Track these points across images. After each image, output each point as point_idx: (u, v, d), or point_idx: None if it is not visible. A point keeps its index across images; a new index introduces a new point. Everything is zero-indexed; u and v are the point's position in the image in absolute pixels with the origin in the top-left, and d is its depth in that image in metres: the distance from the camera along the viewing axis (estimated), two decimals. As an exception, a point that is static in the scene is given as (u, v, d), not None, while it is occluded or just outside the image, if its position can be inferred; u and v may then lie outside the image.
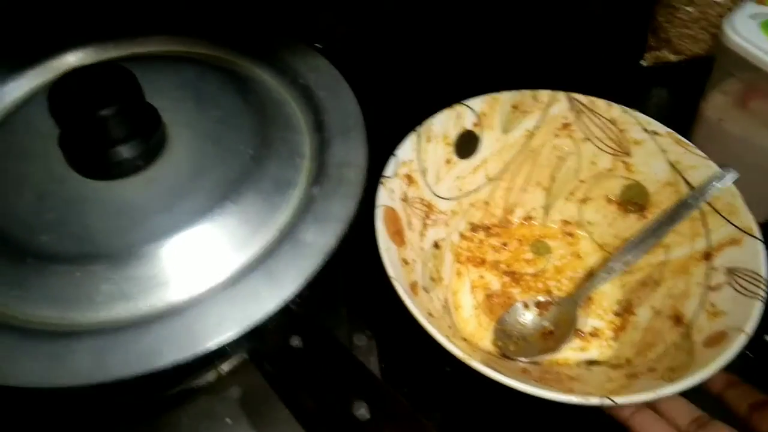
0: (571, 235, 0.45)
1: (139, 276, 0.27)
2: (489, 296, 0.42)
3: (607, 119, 0.42)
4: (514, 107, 0.43)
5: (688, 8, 0.47)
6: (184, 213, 0.28)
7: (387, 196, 0.37)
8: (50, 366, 0.24)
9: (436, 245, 0.42)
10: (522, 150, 0.44)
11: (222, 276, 0.27)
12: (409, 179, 0.40)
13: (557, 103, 0.43)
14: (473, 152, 0.44)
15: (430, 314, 0.35)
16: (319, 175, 0.31)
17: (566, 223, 0.45)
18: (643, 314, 0.39)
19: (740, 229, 0.36)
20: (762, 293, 0.33)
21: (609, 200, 0.44)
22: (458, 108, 0.42)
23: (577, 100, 0.43)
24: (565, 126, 0.43)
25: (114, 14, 0.40)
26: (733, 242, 0.36)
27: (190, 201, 0.28)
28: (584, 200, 0.45)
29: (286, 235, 0.28)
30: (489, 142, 0.44)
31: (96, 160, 0.28)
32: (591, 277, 0.42)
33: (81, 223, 0.28)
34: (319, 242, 0.28)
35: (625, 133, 0.42)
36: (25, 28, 0.39)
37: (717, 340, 0.32)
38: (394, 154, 0.39)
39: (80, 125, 0.27)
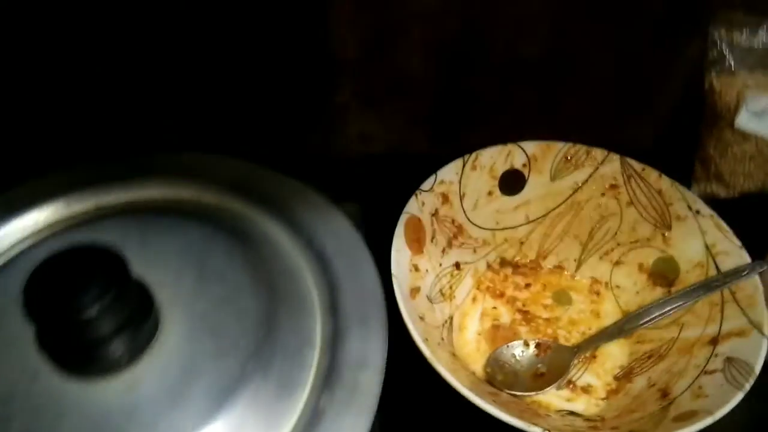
0: (597, 293, 0.46)
1: None
2: (496, 327, 0.44)
3: (655, 190, 0.43)
4: (567, 158, 0.45)
5: (743, 145, 0.45)
6: (169, 429, 0.24)
7: (417, 206, 0.41)
8: None
9: (458, 266, 0.44)
10: (566, 201, 0.46)
11: None
12: (445, 198, 0.43)
13: (610, 164, 0.44)
14: (517, 191, 0.46)
15: (421, 318, 0.37)
16: (330, 377, 0.27)
17: (595, 281, 0.46)
18: (638, 383, 0.39)
19: (752, 322, 0.35)
20: (747, 386, 0.32)
21: (641, 268, 0.44)
22: (510, 147, 0.44)
23: (630, 165, 0.44)
24: (613, 187, 0.44)
25: (114, 148, 0.38)
26: (741, 334, 0.35)
27: (175, 414, 0.24)
28: (617, 263, 0.45)
29: None
30: (535, 186, 0.46)
31: (75, 358, 0.25)
32: (599, 334, 0.42)
33: None
34: None
35: (669, 207, 0.42)
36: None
37: (686, 417, 0.32)
38: (435, 173, 0.42)
39: (58, 327, 0.24)
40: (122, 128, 0.46)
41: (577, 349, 0.41)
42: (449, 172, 0.43)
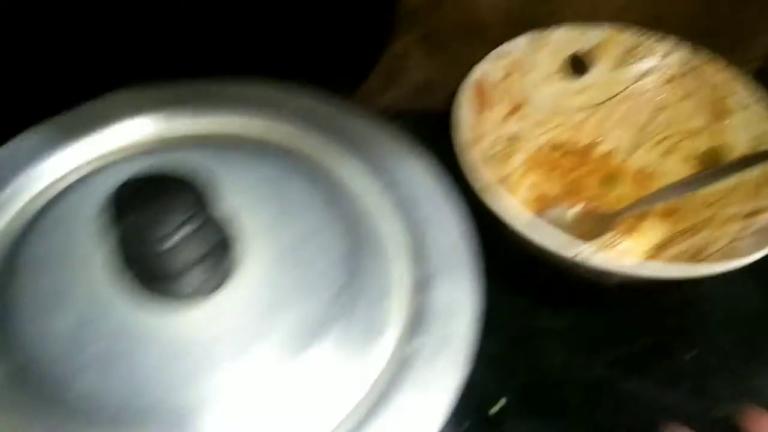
0: (643, 180, 0.48)
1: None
2: (542, 196, 0.47)
3: (714, 82, 0.45)
4: (633, 47, 0.47)
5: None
6: (253, 364, 0.23)
7: (484, 70, 0.44)
8: None
9: (514, 138, 0.47)
10: (627, 89, 0.48)
11: None
12: (511, 70, 0.46)
13: (673, 55, 0.46)
14: (580, 75, 0.48)
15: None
16: (419, 324, 0.25)
17: (642, 169, 0.48)
18: (672, 251, 0.42)
19: (789, 197, 0.38)
20: (774, 244, 0.35)
21: (689, 158, 0.46)
22: (580, 29, 0.47)
23: (694, 56, 0.45)
24: (674, 78, 0.46)
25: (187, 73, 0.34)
26: (777, 207, 0.38)
27: (258, 349, 0.23)
28: (667, 152, 0.47)
29: (377, 410, 0.23)
30: (598, 73, 0.48)
31: (152, 287, 0.24)
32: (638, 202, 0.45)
33: (129, 365, 0.23)
34: (422, 421, 0.23)
35: (725, 99, 0.44)
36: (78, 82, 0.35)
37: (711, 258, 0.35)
38: (505, 44, 0.45)
39: (136, 255, 0.23)
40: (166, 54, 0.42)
41: (617, 215, 0.44)
42: (518, 46, 0.45)
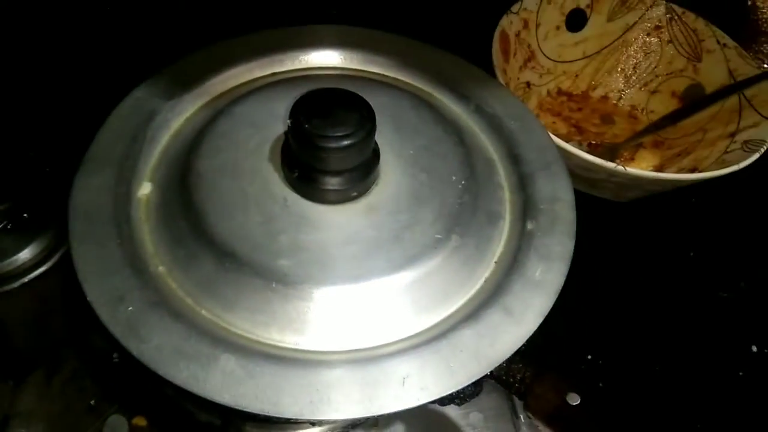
0: (635, 117, 0.56)
1: (374, 308, 0.27)
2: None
3: (691, 29, 0.53)
4: (622, 2, 0.55)
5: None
6: (413, 245, 0.28)
7: (507, 24, 0.50)
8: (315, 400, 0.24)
9: (528, 85, 0.54)
10: (618, 39, 0.56)
11: (456, 308, 0.28)
12: (525, 23, 0.52)
13: (657, 8, 0.54)
14: (579, 29, 0.56)
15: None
16: (530, 209, 0.31)
17: (634, 107, 0.57)
18: (670, 170, 0.50)
19: (764, 117, 0.47)
20: (762, 149, 0.43)
21: (673, 95, 0.55)
22: (579, -12, 0.54)
23: (673, 9, 0.54)
24: (657, 28, 0.55)
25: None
26: (755, 125, 0.47)
27: (416, 232, 0.28)
28: (654, 92, 0.56)
29: (515, 272, 0.29)
30: (594, 25, 0.55)
31: (320, 186, 0.28)
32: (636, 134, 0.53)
33: (315, 248, 0.27)
34: (548, 280, 0.28)
35: (702, 42, 0.53)
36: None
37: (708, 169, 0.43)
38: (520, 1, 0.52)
39: (317, 155, 0.27)
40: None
41: (619, 147, 0.52)
42: (531, 2, 0.52)
